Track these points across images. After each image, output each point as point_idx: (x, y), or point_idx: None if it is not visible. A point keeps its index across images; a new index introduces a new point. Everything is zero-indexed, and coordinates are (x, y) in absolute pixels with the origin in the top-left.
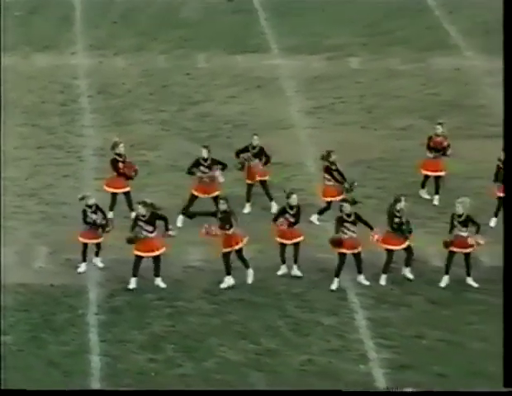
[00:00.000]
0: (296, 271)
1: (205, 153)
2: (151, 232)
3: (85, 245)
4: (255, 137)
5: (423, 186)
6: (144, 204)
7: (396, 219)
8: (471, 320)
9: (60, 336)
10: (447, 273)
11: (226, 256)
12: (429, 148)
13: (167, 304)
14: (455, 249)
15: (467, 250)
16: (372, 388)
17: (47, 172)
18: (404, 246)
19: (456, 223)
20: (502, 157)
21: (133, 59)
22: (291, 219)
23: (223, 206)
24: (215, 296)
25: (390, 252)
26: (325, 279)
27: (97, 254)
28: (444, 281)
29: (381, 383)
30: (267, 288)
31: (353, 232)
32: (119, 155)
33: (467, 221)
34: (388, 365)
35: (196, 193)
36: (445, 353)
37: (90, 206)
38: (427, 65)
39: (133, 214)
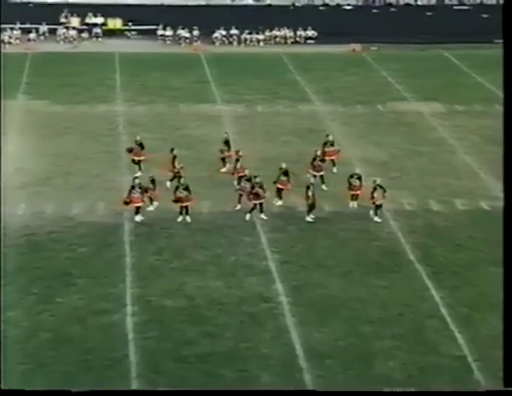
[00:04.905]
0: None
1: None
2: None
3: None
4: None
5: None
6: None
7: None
8: (319, 238)
9: (111, 247)
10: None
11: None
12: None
13: (165, 231)
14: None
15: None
16: (268, 272)
17: (102, 164)
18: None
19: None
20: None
21: (147, 107)
22: None
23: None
24: (189, 226)
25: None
26: (241, 218)
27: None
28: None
29: (275, 273)
30: (215, 223)
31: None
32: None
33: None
34: (277, 261)
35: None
36: (307, 255)
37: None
38: (297, 110)
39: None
